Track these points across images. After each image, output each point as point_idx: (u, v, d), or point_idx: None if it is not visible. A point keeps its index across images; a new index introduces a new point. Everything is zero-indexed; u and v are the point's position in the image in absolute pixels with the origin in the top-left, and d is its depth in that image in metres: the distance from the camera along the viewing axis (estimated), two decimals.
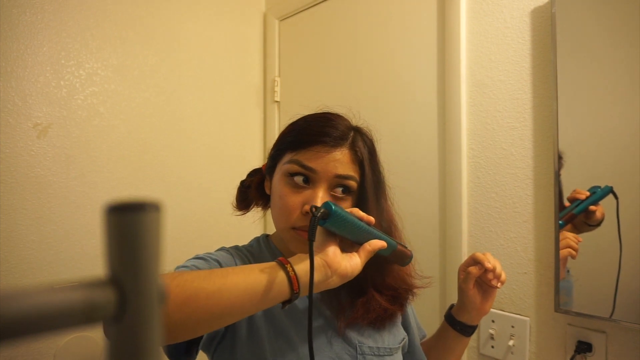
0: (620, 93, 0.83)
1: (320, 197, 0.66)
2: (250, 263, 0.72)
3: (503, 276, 0.71)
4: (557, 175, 0.90)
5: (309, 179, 0.67)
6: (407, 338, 0.78)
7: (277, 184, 0.70)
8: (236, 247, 0.76)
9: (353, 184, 0.69)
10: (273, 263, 0.54)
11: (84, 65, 1.20)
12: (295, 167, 0.67)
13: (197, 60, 1.46)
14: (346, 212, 0.57)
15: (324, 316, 0.70)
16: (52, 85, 1.15)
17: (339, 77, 1.42)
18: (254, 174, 0.82)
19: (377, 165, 0.74)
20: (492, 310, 1.01)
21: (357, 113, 0.76)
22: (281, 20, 1.63)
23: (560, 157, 0.90)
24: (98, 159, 1.22)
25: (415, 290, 0.76)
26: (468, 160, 1.07)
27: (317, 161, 0.67)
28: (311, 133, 0.69)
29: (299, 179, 0.67)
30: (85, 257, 1.18)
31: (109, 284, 0.21)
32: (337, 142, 0.69)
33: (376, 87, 1.30)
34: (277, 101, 1.62)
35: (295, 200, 0.67)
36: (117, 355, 0.21)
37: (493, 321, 1.01)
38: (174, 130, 1.39)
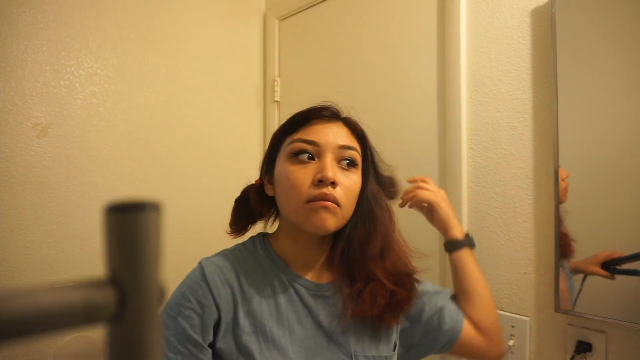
0: (620, 93, 0.83)
1: (330, 165, 0.65)
2: (232, 280, 0.67)
3: (413, 194, 0.85)
4: (557, 175, 0.90)
5: (313, 155, 0.67)
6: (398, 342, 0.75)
7: (282, 169, 0.68)
8: (221, 254, 0.71)
9: (356, 155, 0.69)
10: None
11: (83, 65, 1.20)
12: (297, 145, 0.67)
13: (197, 60, 1.46)
14: None
15: (319, 324, 0.68)
16: (51, 85, 1.15)
17: (339, 77, 1.42)
18: (250, 187, 0.78)
19: (372, 142, 0.75)
20: None
21: (348, 107, 0.77)
22: (281, 20, 1.63)
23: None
24: (98, 159, 1.22)
25: (416, 275, 0.74)
26: (468, 160, 1.07)
27: (318, 134, 0.67)
28: (305, 112, 0.70)
29: (303, 157, 0.66)
30: (85, 257, 1.18)
31: (109, 284, 0.21)
32: (332, 117, 0.70)
33: (376, 87, 1.30)
34: (277, 101, 1.62)
35: (305, 174, 0.65)
36: (117, 355, 0.21)
37: None
38: (174, 130, 1.39)
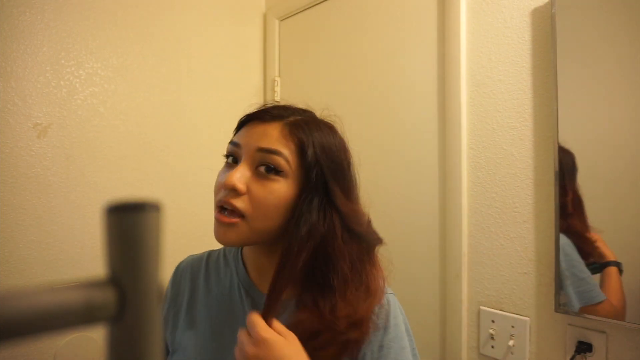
0: (621, 93, 0.83)
1: (237, 170, 0.58)
2: (198, 278, 0.74)
3: None
4: (557, 175, 0.90)
5: (237, 157, 0.62)
6: None
7: None
8: (207, 252, 0.77)
9: (281, 162, 0.59)
10: None
11: (84, 66, 1.20)
12: (227, 147, 0.64)
13: (197, 60, 1.46)
14: None
15: None
16: (52, 85, 1.15)
17: (339, 77, 1.42)
18: None
19: (336, 156, 0.62)
20: (492, 310, 1.01)
21: (349, 118, 0.69)
22: (281, 20, 1.63)
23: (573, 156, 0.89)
24: (98, 159, 1.22)
25: (370, 322, 0.60)
26: (468, 160, 1.07)
27: (243, 135, 0.62)
28: (251, 113, 0.66)
29: (229, 159, 0.63)
30: (85, 257, 1.18)
31: (109, 284, 0.21)
32: (272, 118, 0.62)
33: (376, 87, 1.30)
34: (277, 101, 1.61)
35: (222, 179, 0.61)
36: (117, 355, 0.21)
37: (493, 321, 1.01)
38: (174, 130, 1.39)
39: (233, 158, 0.62)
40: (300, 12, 1.55)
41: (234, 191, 0.58)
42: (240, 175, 0.58)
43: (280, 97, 1.61)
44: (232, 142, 0.63)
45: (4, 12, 1.07)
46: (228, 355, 0.60)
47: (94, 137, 1.21)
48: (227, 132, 1.50)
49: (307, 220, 0.59)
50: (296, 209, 0.60)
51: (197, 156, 1.44)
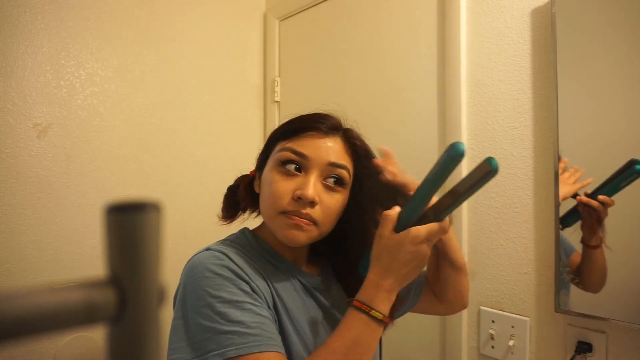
0: (621, 93, 0.83)
1: (313, 183, 0.63)
2: (242, 257, 0.64)
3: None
4: (557, 175, 0.90)
5: (300, 167, 0.65)
6: None
7: (268, 174, 0.67)
8: (224, 244, 0.67)
9: (346, 175, 0.66)
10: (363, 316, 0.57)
11: (84, 66, 1.20)
12: (286, 154, 0.65)
13: (197, 60, 1.46)
14: None
15: (329, 313, 0.71)
16: (52, 85, 1.15)
17: (339, 77, 1.42)
18: (243, 177, 0.78)
19: (373, 164, 0.69)
20: (492, 310, 1.01)
21: (351, 118, 0.73)
22: (281, 20, 1.63)
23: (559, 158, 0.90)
24: (98, 159, 1.22)
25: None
26: (468, 160, 1.07)
27: (309, 147, 0.65)
28: (304, 121, 0.68)
29: (290, 167, 0.64)
30: (85, 257, 1.18)
31: (109, 284, 0.21)
32: (330, 131, 0.67)
33: (376, 87, 1.30)
34: (277, 101, 1.62)
35: (287, 186, 0.63)
36: (117, 355, 0.21)
37: (493, 321, 1.01)
38: (174, 130, 1.39)
39: (297, 167, 0.65)
40: (300, 12, 1.55)
41: (311, 204, 0.63)
42: (315, 189, 0.63)
43: (280, 97, 1.61)
44: (296, 152, 0.65)
45: (4, 12, 1.07)
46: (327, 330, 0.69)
47: (94, 137, 1.21)
48: (227, 132, 1.51)
49: (362, 226, 0.69)
50: (347, 212, 0.68)
51: (197, 156, 1.44)
